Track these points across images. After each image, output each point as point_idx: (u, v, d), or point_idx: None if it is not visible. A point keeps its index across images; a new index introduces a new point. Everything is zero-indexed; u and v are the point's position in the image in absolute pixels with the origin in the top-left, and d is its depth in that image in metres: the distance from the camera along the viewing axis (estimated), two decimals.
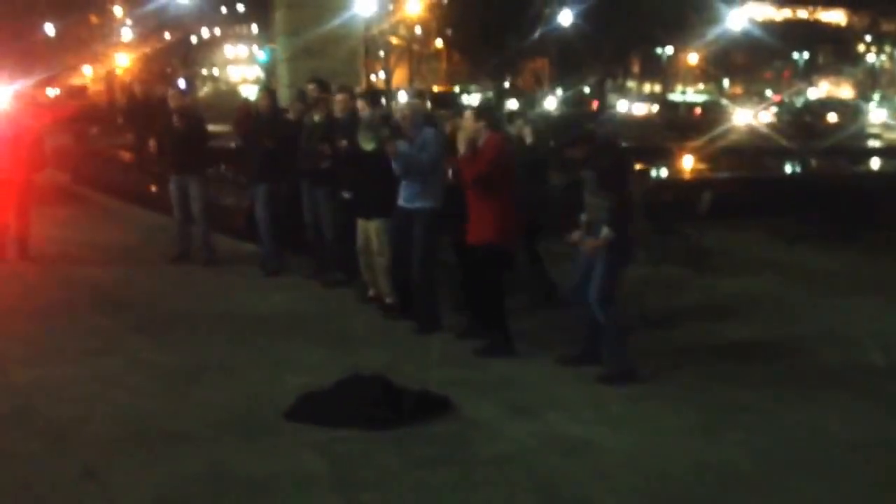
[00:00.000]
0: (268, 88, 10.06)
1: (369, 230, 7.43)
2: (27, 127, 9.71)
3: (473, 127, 6.40)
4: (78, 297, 8.03)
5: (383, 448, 4.83)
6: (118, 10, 45.56)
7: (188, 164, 9.23)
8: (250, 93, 43.06)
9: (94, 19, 44.53)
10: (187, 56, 44.27)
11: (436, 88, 38.16)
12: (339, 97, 8.05)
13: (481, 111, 6.64)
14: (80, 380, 5.86)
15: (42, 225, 10.11)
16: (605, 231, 5.83)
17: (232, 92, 47.67)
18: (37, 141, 9.63)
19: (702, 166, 15.86)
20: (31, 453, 4.73)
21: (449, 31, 41.27)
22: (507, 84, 37.66)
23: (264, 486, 4.42)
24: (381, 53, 39.33)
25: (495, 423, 5.23)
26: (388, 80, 39.54)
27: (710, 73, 48.43)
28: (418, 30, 42.39)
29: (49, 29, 39.50)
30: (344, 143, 7.53)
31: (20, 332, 6.90)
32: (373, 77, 36.62)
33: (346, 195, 7.75)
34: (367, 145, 7.08)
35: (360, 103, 7.73)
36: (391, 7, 38.58)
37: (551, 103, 25.43)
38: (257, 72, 53.16)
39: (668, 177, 14.92)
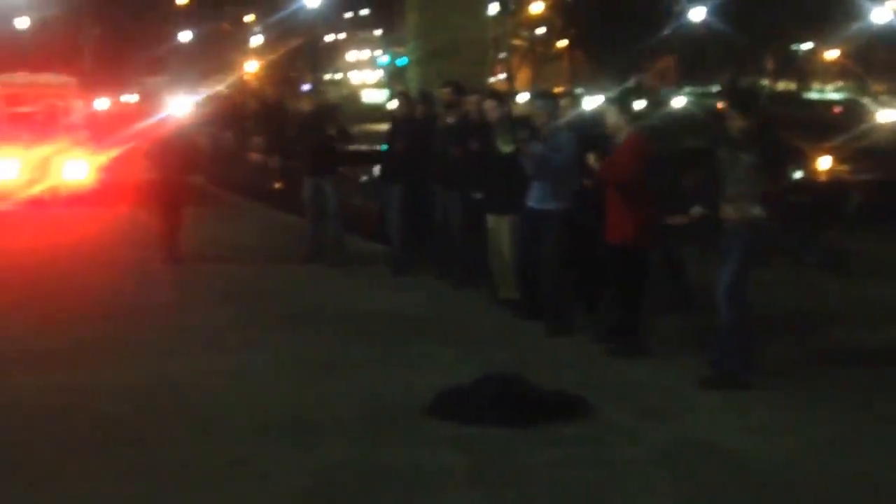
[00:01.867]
0: (403, 93, 10.27)
1: (500, 228, 7.46)
2: (186, 131, 10.23)
3: (614, 124, 6.34)
4: (218, 293, 8.36)
5: (521, 446, 4.85)
6: (249, 18, 47.19)
7: (324, 165, 9.48)
8: (373, 97, 43.85)
9: (226, 27, 46.29)
10: (312, 61, 45.42)
11: (557, 90, 37.94)
12: (471, 99, 8.14)
13: (623, 108, 6.53)
14: (225, 371, 6.10)
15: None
16: (755, 210, 5.64)
17: (354, 96, 48.62)
18: (195, 144, 10.13)
19: (841, 167, 15.27)
20: (184, 441, 4.95)
21: (573, 31, 40.91)
22: (631, 83, 37.00)
23: (406, 479, 4.51)
24: (504, 55, 39.36)
25: (631, 426, 5.19)
26: (510, 82, 39.51)
27: (851, 70, 46.30)
28: (541, 30, 42.19)
29: (185, 37, 41.28)
30: (476, 145, 7.60)
31: (169, 325, 7.23)
32: (494, 79, 36.71)
33: (478, 196, 7.81)
34: (506, 147, 7.14)
35: (489, 104, 7.77)
36: (513, 7, 38.55)
37: (679, 102, 24.90)
38: (379, 75, 53.99)
39: (805, 177, 14.40)
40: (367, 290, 8.61)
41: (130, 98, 29.08)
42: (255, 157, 19.56)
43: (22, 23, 37.81)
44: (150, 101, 21.43)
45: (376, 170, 11.67)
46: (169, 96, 14.88)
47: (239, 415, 5.33)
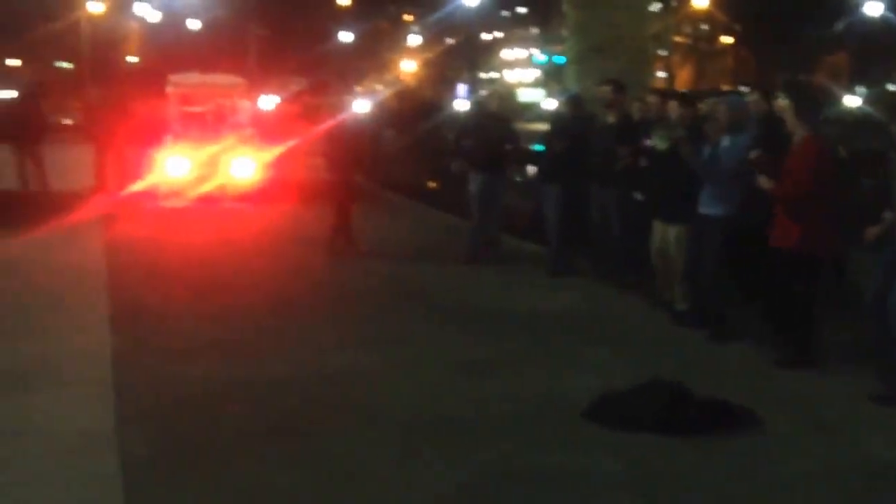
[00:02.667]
0: (572, 95, 10.20)
1: (667, 234, 7.27)
2: (360, 130, 10.55)
3: (792, 125, 6.06)
4: (379, 289, 8.54)
5: (682, 455, 4.72)
6: (408, 17, 48.16)
7: (493, 163, 9.55)
8: (530, 96, 43.76)
9: (384, 26, 47.36)
10: (469, 60, 45.83)
11: (724, 87, 36.67)
12: (652, 99, 8.03)
13: (804, 109, 6.15)
14: (383, 366, 6.22)
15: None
16: None
17: (509, 95, 48.76)
18: (363, 143, 10.44)
19: None
20: (347, 433, 5.06)
21: (737, 27, 39.53)
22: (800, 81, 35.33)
23: (560, 482, 4.47)
24: (664, 52, 38.49)
25: (797, 440, 4.96)
26: (670, 80, 38.66)
27: None
28: (704, 26, 41.04)
29: (344, 37, 42.52)
30: (647, 143, 7.44)
31: (331, 320, 7.44)
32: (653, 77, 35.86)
33: (639, 196, 7.65)
34: (661, 144, 6.97)
35: (671, 104, 7.60)
36: (675, 3, 37.66)
37: (853, 102, 23.47)
38: (535, 74, 53.85)
39: None
40: (522, 289, 8.59)
41: (293, 97, 30.25)
42: (411, 155, 19.89)
43: (194, 24, 39.96)
44: (312, 101, 22.19)
45: (531, 169, 11.63)
46: (333, 96, 15.33)
47: (398, 410, 5.42)
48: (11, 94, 17.02)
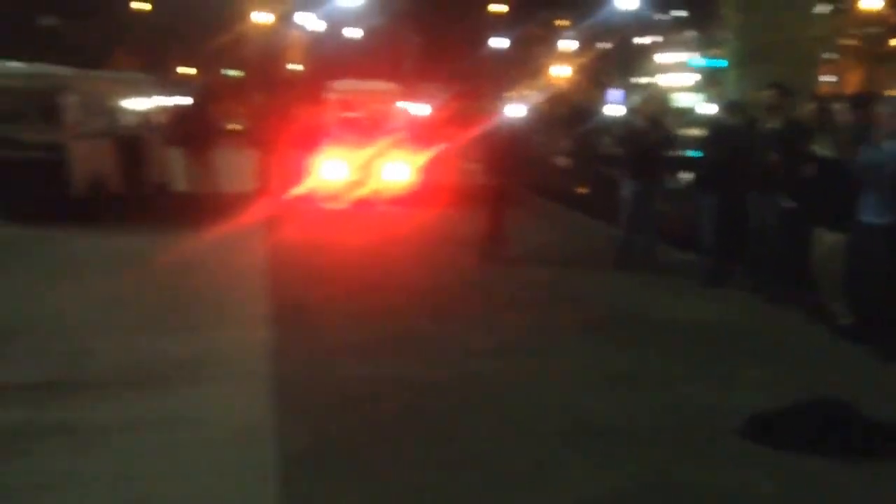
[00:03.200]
0: (732, 101, 9.98)
1: (830, 244, 6.94)
2: (514, 135, 10.64)
3: None
4: (529, 295, 8.55)
5: (846, 481, 4.50)
6: (562, 22, 48.01)
7: (647, 170, 9.41)
8: (685, 101, 42.69)
9: (538, 32, 47.37)
10: (623, 64, 45.23)
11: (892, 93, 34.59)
12: (816, 104, 7.73)
13: None
14: (528, 374, 6.20)
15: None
16: None
17: (664, 99, 47.70)
18: (518, 148, 10.51)
19: None
20: (489, 438, 5.08)
21: None
22: None
23: (711, 499, 4.34)
24: (831, 55, 36.75)
25: None
26: (839, 85, 36.86)
27: None
28: (875, 28, 38.92)
29: (497, 43, 42.82)
30: (812, 149, 7.15)
31: (479, 324, 7.49)
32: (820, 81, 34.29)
33: (790, 204, 7.36)
34: (823, 151, 6.67)
35: (838, 108, 7.28)
36: (844, 4, 35.86)
37: None
38: (691, 78, 52.52)
39: None
40: (675, 299, 8.41)
41: (446, 102, 30.66)
42: (562, 161, 19.82)
43: (353, 33, 41.20)
44: (465, 106, 22.41)
45: (686, 176, 11.37)
46: (485, 101, 15.46)
47: (541, 418, 5.40)
48: (185, 100, 18.05)
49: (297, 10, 37.47)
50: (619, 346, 6.87)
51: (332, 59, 33.34)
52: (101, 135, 12.54)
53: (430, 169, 14.73)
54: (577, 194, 16.25)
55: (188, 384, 5.78)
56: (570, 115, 21.46)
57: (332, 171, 14.31)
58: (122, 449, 4.75)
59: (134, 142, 13.16)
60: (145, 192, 13.52)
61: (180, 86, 25.28)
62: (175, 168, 14.73)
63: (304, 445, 4.88)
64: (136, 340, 6.70)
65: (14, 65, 13.00)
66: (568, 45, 48.26)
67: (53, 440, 4.84)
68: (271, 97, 17.64)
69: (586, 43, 47.12)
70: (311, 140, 14.49)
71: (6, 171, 11.36)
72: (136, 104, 14.09)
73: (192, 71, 39.97)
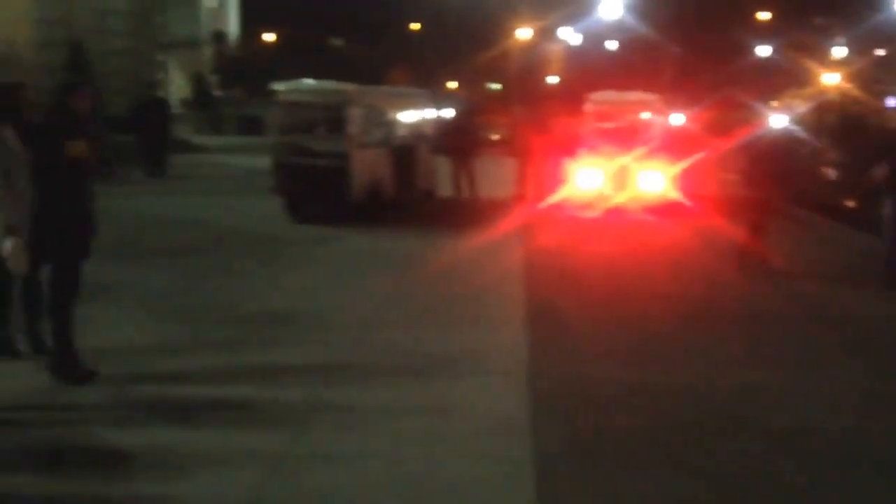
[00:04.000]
0: None
1: None
2: (778, 147, 10.45)
3: None
4: (786, 309, 8.36)
5: None
6: (827, 27, 45.18)
7: None
8: None
9: (805, 39, 44.90)
10: None
11: None
12: None
13: None
14: (786, 388, 6.07)
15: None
16: None
17: None
18: (783, 160, 10.30)
19: None
20: (747, 452, 5.03)
21: None
22: None
23: None
24: None
25: None
26: None
27: None
28: None
29: (762, 51, 41.07)
30: None
31: (736, 336, 7.41)
32: None
33: None
34: None
35: None
36: None
37: None
38: None
39: None
40: None
41: (704, 111, 29.90)
42: (829, 172, 18.80)
43: (611, 45, 41.18)
44: (724, 116, 21.86)
45: None
46: (745, 111, 15.11)
47: (796, 431, 5.29)
48: (451, 112, 19.03)
49: (557, 24, 38.13)
50: (882, 368, 6.59)
51: (589, 71, 33.61)
52: (379, 145, 13.58)
53: (686, 179, 14.60)
54: (844, 207, 15.42)
55: (450, 377, 6.21)
56: (842, 125, 20.29)
57: (587, 179, 14.57)
58: (389, 431, 5.20)
59: (406, 151, 14.12)
60: (414, 197, 14.47)
61: (448, 99, 26.61)
62: (440, 176, 15.60)
63: (558, 444, 5.08)
64: (404, 334, 7.27)
65: (308, 82, 14.43)
66: (838, 51, 45.32)
67: (327, 418, 5.41)
68: (530, 109, 18.19)
69: (859, 48, 44.02)
70: (568, 149, 14.85)
71: (299, 176, 12.68)
72: (409, 116, 15.10)
73: (457, 85, 41.78)
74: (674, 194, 14.29)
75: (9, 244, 5.95)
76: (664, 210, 13.82)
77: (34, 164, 5.85)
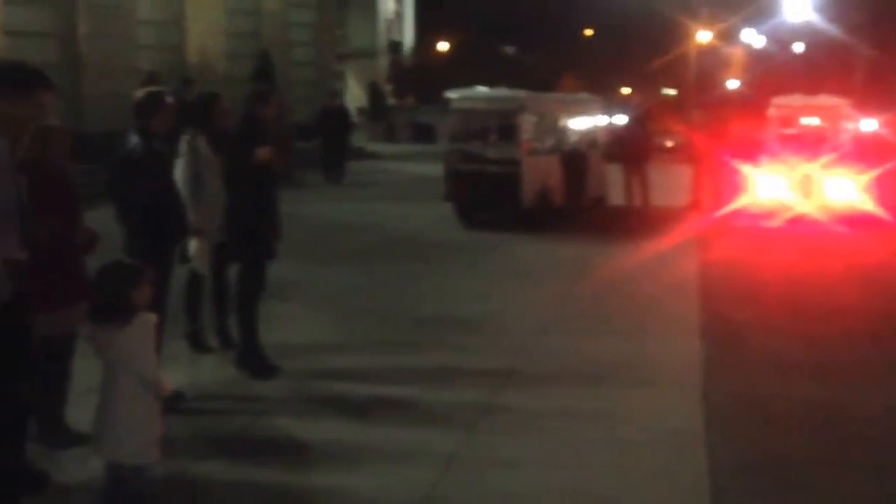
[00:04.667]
0: None
1: None
2: None
3: None
4: None
5: None
6: None
7: None
8: None
9: None
10: None
11: None
12: None
13: None
14: None
15: None
16: None
17: None
18: None
19: None
20: None
21: None
22: None
23: None
24: None
25: None
26: None
27: None
28: None
29: None
30: None
31: None
32: None
33: None
34: None
35: None
36: None
37: None
38: None
39: None
40: None
41: (893, 118, 28.04)
42: None
43: (797, 46, 39.40)
44: None
45: None
46: None
47: None
48: (623, 119, 18.77)
49: (739, 26, 36.87)
50: None
51: (773, 75, 32.29)
52: (551, 151, 13.58)
53: (880, 188, 13.75)
54: None
55: (622, 385, 6.14)
56: None
57: (769, 187, 14.00)
58: (560, 437, 5.21)
59: (577, 158, 14.05)
60: (585, 205, 14.36)
61: (621, 105, 26.26)
62: (612, 183, 15.41)
63: (734, 461, 4.94)
64: (575, 341, 7.24)
65: (480, 89, 14.62)
66: None
67: (499, 421, 5.47)
68: (708, 114, 17.67)
69: None
70: (748, 156, 14.33)
71: (470, 182, 12.87)
72: (581, 123, 15.00)
73: (630, 91, 41.18)
74: (865, 204, 13.50)
75: (195, 245, 6.37)
76: (853, 221, 13.09)
77: (224, 170, 6.23)
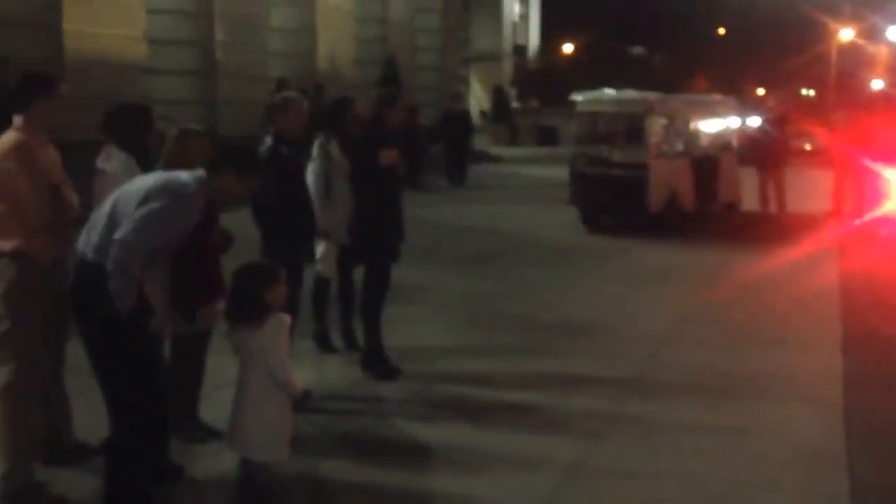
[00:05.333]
0: None
1: None
2: None
3: None
4: None
5: None
6: None
7: None
8: None
9: None
10: None
11: None
12: None
13: None
14: None
15: None
16: None
17: None
18: None
19: None
20: None
21: None
22: None
23: None
24: None
25: None
26: None
27: None
28: None
29: None
30: None
31: None
32: None
33: None
34: None
35: None
36: None
37: None
38: None
39: None
40: None
41: None
42: None
43: None
44: None
45: None
46: None
47: None
48: (756, 120, 18.11)
49: (883, 25, 35.06)
50: None
51: None
52: (680, 155, 13.23)
53: None
54: None
55: (754, 399, 5.90)
56: None
57: None
58: (687, 451, 5.03)
59: (708, 161, 13.64)
60: (716, 210, 13.91)
61: (754, 107, 25.38)
62: (746, 188, 14.89)
63: (874, 480, 4.71)
64: (704, 351, 7.00)
65: (607, 91, 14.40)
66: None
67: (622, 431, 5.33)
68: (850, 116, 16.85)
69: None
70: (893, 160, 13.58)
71: (595, 186, 12.69)
72: (712, 125, 14.54)
73: (764, 91, 39.80)
74: None
75: (322, 247, 6.47)
76: None
77: (352, 172, 6.30)
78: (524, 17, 42.80)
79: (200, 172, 3.94)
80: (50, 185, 4.27)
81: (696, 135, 13.92)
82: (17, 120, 4.29)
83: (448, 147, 19.40)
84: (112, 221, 3.79)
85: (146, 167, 4.60)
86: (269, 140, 5.56)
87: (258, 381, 3.88)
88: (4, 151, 4.20)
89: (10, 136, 4.27)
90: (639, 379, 6.31)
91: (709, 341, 7.32)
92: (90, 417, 4.66)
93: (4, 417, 4.29)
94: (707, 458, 4.96)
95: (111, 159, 4.76)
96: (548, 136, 32.65)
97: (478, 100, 34.79)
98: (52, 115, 4.33)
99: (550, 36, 44.00)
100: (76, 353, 4.24)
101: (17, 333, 4.27)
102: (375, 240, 6.21)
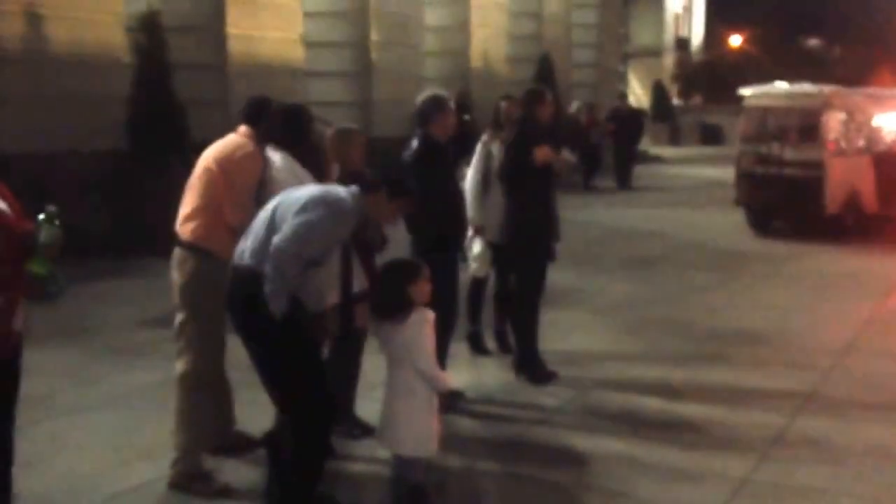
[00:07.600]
0: None
1: None
2: None
3: None
4: None
5: None
6: None
7: None
8: None
9: None
10: None
11: None
12: None
13: None
14: None
15: None
16: None
17: None
18: None
19: None
20: None
21: None
22: None
23: None
24: None
25: None
26: None
27: None
28: None
29: None
30: None
31: None
32: None
33: None
34: None
35: None
36: None
37: None
38: None
39: None
40: None
41: None
42: None
43: None
44: None
45: None
46: None
47: None
48: None
49: None
50: None
51: None
52: (860, 152, 12.41)
53: None
54: None
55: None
56: None
57: None
58: (867, 473, 4.65)
59: (892, 159, 12.70)
60: None
61: None
62: None
63: None
64: (883, 363, 6.51)
65: (779, 85, 13.65)
66: None
67: (795, 447, 4.98)
68: None
69: None
70: None
71: (765, 186, 12.06)
72: None
73: None
74: None
75: (477, 246, 6.34)
76: None
77: (505, 171, 6.16)
78: (687, 8, 41.43)
79: (355, 189, 3.92)
80: (247, 188, 4.37)
81: (879, 132, 12.98)
82: (244, 129, 4.53)
83: (617, 148, 18.90)
84: (271, 227, 3.81)
85: (310, 169, 4.59)
86: (415, 140, 5.48)
87: (404, 377, 3.94)
88: (237, 157, 4.40)
89: (238, 142, 4.48)
90: (813, 393, 5.88)
91: (888, 353, 6.78)
92: (250, 410, 4.75)
93: (179, 407, 4.43)
94: (885, 481, 4.57)
95: (272, 162, 4.78)
96: (712, 135, 31.48)
97: (636, 97, 33.94)
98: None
99: (716, 28, 42.31)
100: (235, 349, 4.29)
101: (194, 324, 4.40)
102: (530, 239, 6.05)
